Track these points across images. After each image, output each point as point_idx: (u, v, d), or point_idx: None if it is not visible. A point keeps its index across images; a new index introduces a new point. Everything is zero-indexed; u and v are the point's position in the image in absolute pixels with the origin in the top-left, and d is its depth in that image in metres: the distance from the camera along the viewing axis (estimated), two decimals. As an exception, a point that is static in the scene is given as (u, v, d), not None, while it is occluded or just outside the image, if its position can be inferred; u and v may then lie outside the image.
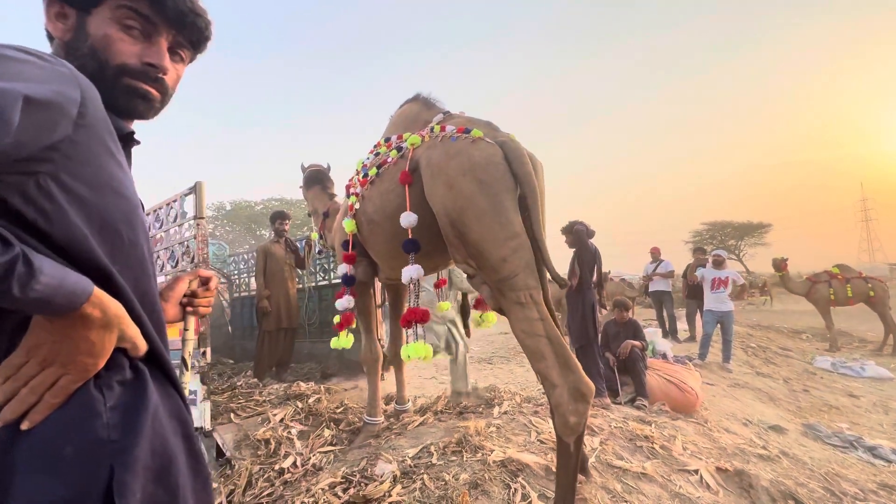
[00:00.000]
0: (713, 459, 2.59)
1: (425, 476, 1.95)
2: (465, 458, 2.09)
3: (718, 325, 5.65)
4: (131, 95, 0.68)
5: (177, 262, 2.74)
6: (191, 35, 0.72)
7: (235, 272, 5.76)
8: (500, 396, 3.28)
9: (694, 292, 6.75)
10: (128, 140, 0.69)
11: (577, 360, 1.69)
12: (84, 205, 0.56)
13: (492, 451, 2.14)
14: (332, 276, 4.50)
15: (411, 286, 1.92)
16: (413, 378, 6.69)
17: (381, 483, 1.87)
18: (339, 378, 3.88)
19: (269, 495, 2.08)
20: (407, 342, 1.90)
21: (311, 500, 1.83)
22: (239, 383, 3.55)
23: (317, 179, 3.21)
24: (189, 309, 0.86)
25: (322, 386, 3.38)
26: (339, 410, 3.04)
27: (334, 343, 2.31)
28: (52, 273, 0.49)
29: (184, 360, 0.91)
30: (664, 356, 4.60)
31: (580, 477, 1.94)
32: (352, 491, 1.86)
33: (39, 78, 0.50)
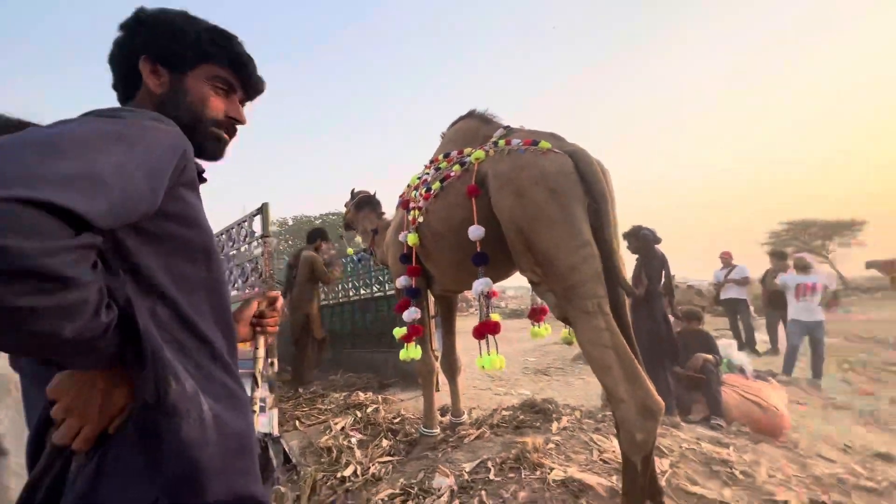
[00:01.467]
0: (805, 490, 2.31)
1: (483, 492, 1.92)
2: (523, 476, 2.03)
3: (806, 338, 5.08)
4: (216, 142, 0.81)
5: (247, 278, 2.95)
6: (253, 96, 0.88)
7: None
8: (559, 411, 3.16)
9: (775, 301, 6.12)
10: (200, 178, 0.80)
11: (645, 375, 1.62)
12: (171, 239, 0.65)
13: (551, 469, 2.06)
14: (386, 289, 4.62)
15: (481, 298, 1.94)
16: (468, 389, 6.66)
17: (439, 497, 1.87)
18: (397, 388, 3.96)
19: (332, 502, 2.15)
20: (480, 354, 1.92)
21: (372, 510, 1.88)
22: (300, 390, 3.73)
23: (368, 202, 3.41)
24: (258, 329, 0.93)
25: (380, 396, 3.46)
26: (396, 421, 3.09)
27: (403, 354, 2.33)
28: None
29: (255, 377, 0.97)
30: (742, 371, 4.19)
31: None
32: (410, 503, 1.87)
33: (166, 142, 0.62)
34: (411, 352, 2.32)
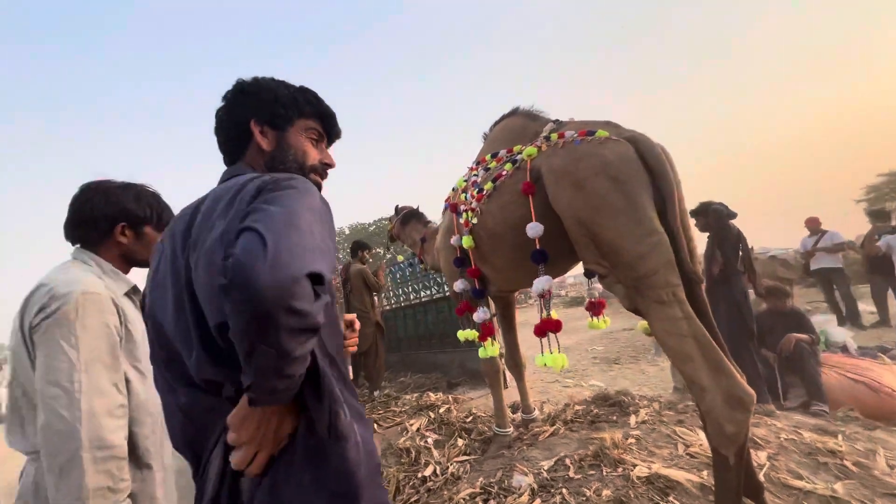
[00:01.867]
0: (938, 481, 2.04)
1: (564, 490, 1.90)
2: (604, 473, 1.99)
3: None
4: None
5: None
6: (333, 142, 1.02)
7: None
8: (636, 403, 3.04)
9: (879, 266, 5.40)
10: None
11: (730, 362, 1.53)
12: None
13: (634, 465, 2.00)
14: (445, 290, 4.70)
15: (540, 297, 1.93)
16: (536, 383, 6.59)
17: (520, 496, 1.89)
18: (465, 387, 4.02)
19: (415, 502, 2.24)
20: (542, 352, 1.93)
21: (455, 509, 1.93)
22: (375, 394, 3.91)
23: (413, 215, 3.48)
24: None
25: (450, 396, 3.54)
26: (468, 420, 3.14)
27: (482, 353, 2.39)
28: None
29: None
30: (844, 349, 3.77)
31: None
32: (492, 502, 1.90)
33: (325, 206, 0.74)
34: (489, 350, 2.36)
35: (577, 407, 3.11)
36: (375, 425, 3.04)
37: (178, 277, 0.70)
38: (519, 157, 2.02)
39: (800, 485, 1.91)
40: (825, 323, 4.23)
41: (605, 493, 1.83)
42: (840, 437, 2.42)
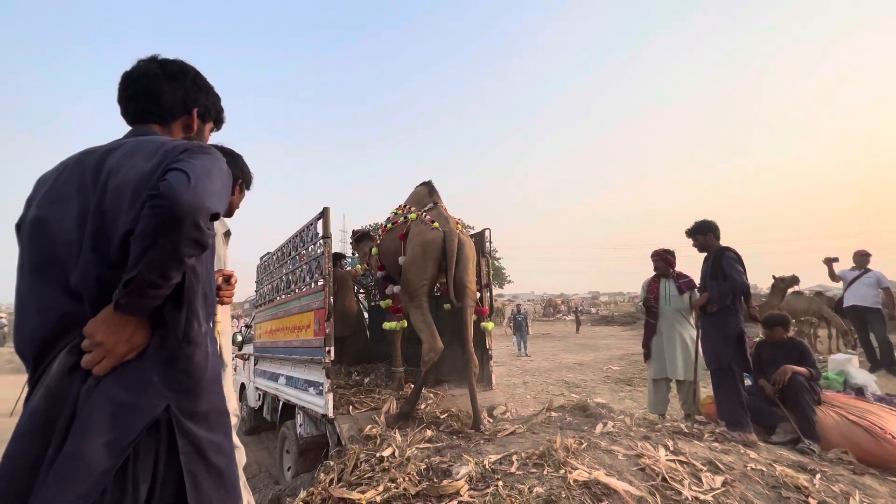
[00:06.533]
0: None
1: (500, 483, 1.94)
2: (545, 472, 2.00)
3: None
4: None
5: (313, 275, 3.34)
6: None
7: (373, 283, 6.49)
8: (610, 416, 2.99)
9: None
10: None
11: (437, 334, 3.14)
12: None
13: (575, 469, 2.00)
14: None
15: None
16: (541, 393, 6.52)
17: (455, 480, 1.94)
18: (450, 384, 4.06)
19: (368, 477, 2.34)
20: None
21: (393, 484, 2.02)
22: (366, 380, 4.04)
23: (366, 235, 4.94)
24: (216, 299, 1.20)
25: (432, 391, 3.61)
26: (443, 416, 3.19)
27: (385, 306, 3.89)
28: None
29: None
30: (860, 391, 3.50)
31: None
32: (426, 483, 1.97)
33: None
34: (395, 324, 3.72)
35: (552, 413, 3.10)
36: (351, 408, 3.17)
37: (86, 196, 0.86)
38: (409, 216, 3.54)
39: (747, 513, 1.84)
40: (845, 362, 3.95)
41: (538, 490, 1.85)
42: (818, 476, 2.28)
